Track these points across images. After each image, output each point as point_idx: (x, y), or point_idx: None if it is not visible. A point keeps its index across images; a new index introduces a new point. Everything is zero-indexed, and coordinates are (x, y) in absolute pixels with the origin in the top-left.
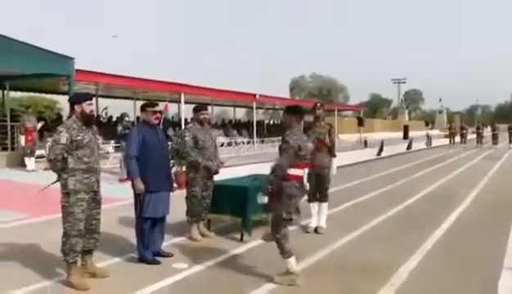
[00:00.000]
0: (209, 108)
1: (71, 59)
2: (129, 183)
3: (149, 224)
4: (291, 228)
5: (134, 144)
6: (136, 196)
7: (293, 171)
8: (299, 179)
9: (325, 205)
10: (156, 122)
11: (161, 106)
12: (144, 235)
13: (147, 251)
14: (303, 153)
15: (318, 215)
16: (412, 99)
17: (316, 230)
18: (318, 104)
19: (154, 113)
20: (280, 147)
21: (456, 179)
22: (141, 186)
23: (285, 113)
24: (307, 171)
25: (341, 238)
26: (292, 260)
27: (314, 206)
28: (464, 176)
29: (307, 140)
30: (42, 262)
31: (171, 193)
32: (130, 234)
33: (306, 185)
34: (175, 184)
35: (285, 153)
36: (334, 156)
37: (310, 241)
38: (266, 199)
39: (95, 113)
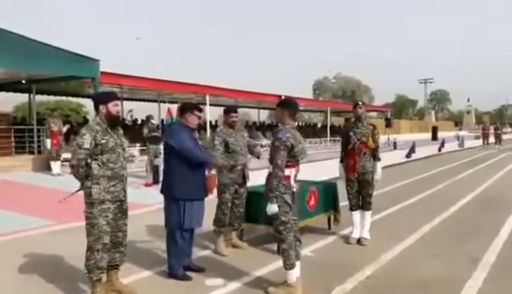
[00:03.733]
0: None
1: (96, 61)
2: (155, 187)
3: (182, 236)
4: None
5: (186, 138)
6: (168, 205)
7: None
8: (286, 178)
9: (368, 214)
10: (196, 126)
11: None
12: (176, 248)
13: (178, 266)
14: (295, 153)
15: (361, 224)
16: (438, 99)
17: (359, 241)
18: (360, 103)
19: (199, 118)
20: (272, 144)
21: (500, 182)
22: (222, 162)
23: (278, 107)
24: (294, 171)
25: (388, 249)
26: (293, 272)
27: (356, 214)
28: (508, 180)
29: (302, 139)
30: (65, 276)
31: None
32: (158, 245)
33: (293, 186)
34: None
35: (277, 152)
36: (379, 159)
37: (354, 254)
38: (275, 208)
39: (120, 115)
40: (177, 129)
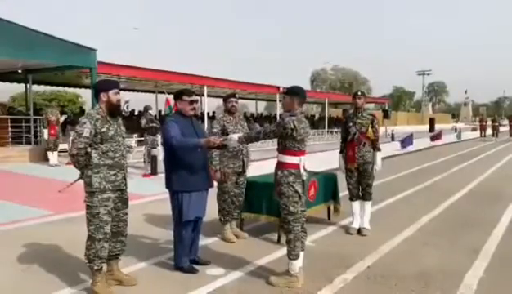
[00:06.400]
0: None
1: (93, 50)
2: (154, 178)
3: (185, 229)
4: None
5: (174, 128)
6: (174, 197)
7: (288, 159)
8: (295, 166)
9: (368, 204)
10: (192, 112)
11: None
12: (180, 241)
13: (184, 258)
14: (299, 137)
15: (361, 214)
16: (435, 91)
17: (359, 232)
18: (359, 94)
19: (191, 102)
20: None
21: (498, 174)
22: (216, 141)
23: (288, 95)
24: (303, 158)
25: (389, 240)
26: (297, 262)
27: (356, 204)
28: (506, 171)
29: (307, 125)
30: (65, 266)
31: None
32: (157, 235)
33: (303, 174)
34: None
35: (274, 127)
36: (379, 150)
37: (355, 244)
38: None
39: (122, 104)
40: (168, 120)
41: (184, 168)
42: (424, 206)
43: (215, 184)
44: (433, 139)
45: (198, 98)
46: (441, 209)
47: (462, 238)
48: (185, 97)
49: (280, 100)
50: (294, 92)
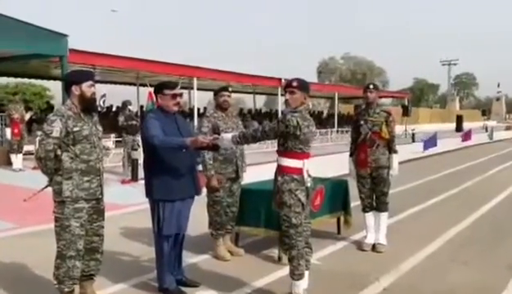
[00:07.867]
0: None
1: (64, 36)
2: (134, 185)
3: (171, 242)
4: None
5: (155, 125)
6: (155, 207)
7: (290, 163)
8: (298, 171)
9: (384, 215)
10: (176, 108)
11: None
12: (163, 258)
13: (170, 278)
14: (303, 136)
15: (375, 228)
16: (463, 84)
17: (373, 248)
18: (370, 87)
19: (174, 96)
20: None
21: None
22: (205, 140)
23: (299, 91)
24: (307, 162)
25: (409, 257)
26: (301, 283)
27: (370, 216)
28: None
29: (312, 123)
30: (30, 288)
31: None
32: (138, 251)
33: (307, 180)
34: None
35: (274, 126)
36: (395, 152)
37: (369, 262)
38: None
39: (97, 98)
40: (148, 117)
41: (166, 173)
42: (451, 216)
43: (204, 192)
44: (463, 139)
45: (183, 91)
46: (471, 220)
47: (496, 252)
48: (166, 91)
49: (282, 94)
50: (306, 88)
